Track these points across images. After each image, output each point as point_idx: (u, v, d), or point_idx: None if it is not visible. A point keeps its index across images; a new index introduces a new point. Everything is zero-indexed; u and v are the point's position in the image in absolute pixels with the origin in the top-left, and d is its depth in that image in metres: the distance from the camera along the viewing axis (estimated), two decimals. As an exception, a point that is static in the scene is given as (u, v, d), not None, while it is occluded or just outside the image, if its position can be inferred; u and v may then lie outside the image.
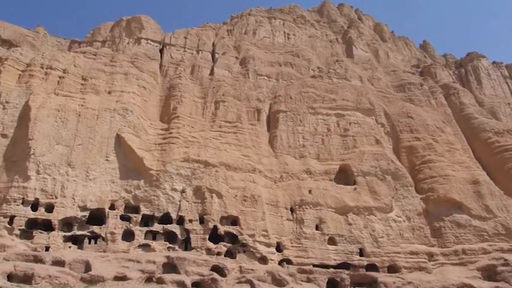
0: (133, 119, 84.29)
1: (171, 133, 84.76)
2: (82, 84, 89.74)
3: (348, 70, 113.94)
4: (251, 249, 73.77)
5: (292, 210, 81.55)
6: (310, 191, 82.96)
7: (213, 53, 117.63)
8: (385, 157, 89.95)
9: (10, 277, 54.41)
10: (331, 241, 78.64)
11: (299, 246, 76.95)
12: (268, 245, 75.07)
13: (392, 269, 76.49)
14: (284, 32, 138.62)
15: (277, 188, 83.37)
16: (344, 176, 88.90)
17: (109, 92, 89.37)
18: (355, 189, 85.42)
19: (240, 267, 68.91)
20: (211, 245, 72.76)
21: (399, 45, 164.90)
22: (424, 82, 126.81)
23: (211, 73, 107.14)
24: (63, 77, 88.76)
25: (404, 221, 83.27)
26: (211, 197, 76.93)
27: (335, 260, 76.12)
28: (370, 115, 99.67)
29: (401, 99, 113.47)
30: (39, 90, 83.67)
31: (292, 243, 77.38)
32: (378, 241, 79.44)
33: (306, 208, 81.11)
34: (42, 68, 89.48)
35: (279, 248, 76.45)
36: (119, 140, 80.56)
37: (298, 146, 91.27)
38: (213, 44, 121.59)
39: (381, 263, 76.43)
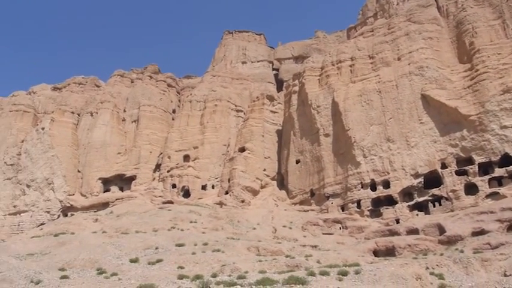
0: (432, 74, 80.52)
1: (477, 70, 76.61)
2: (371, 63, 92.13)
3: None
4: None
5: None
6: None
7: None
8: None
9: (375, 253, 59.78)
10: None
11: None
12: None
13: None
14: None
15: None
16: None
17: (398, 59, 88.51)
18: None
19: None
20: None
21: None
22: None
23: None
24: (353, 64, 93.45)
25: None
26: (554, 120, 64.94)
27: None
28: None
29: None
30: (338, 85, 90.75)
31: None
32: None
33: None
34: (333, 65, 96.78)
35: None
36: (426, 99, 78.36)
37: None
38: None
39: None
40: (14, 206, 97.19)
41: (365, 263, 42.70)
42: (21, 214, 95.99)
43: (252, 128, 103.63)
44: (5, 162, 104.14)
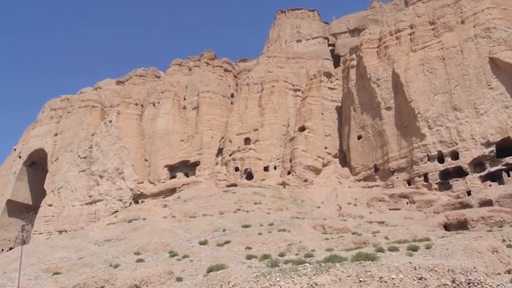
0: (501, 34, 75.28)
1: (551, 27, 70.86)
2: (433, 29, 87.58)
3: None
4: None
5: None
6: None
7: None
8: None
9: (446, 227, 57.62)
10: None
11: None
12: None
13: None
14: None
15: None
16: None
17: (462, 22, 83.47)
18: None
19: None
20: None
21: None
22: None
23: None
24: (413, 32, 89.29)
25: None
26: None
27: None
28: None
29: None
30: (397, 55, 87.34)
31: None
32: None
33: None
34: (391, 35, 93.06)
35: None
36: (494, 63, 73.58)
37: None
38: None
39: None
40: (90, 196, 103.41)
41: (436, 238, 41.28)
42: (97, 203, 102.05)
43: (310, 106, 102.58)
44: (78, 156, 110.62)
